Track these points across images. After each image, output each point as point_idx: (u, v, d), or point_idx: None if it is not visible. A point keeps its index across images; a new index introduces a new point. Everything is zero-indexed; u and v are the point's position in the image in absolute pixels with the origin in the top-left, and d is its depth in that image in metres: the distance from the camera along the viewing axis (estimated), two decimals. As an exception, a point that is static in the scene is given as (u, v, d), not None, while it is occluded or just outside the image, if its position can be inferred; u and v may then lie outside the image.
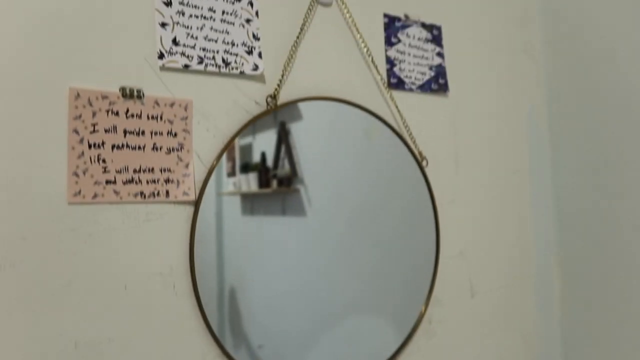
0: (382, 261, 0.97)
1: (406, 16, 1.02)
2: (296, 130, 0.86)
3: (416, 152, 0.99)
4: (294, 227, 0.88)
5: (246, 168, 0.81)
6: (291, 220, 0.88)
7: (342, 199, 0.93)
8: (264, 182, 0.84)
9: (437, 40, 1.06)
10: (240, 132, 0.80)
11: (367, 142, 0.97)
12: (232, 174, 0.79)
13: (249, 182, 0.82)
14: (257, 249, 0.84)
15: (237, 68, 0.80)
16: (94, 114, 0.68)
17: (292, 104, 0.85)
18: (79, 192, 0.67)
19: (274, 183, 0.85)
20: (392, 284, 0.98)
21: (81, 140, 0.67)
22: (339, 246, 0.93)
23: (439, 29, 1.07)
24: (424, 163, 1.00)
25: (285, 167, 0.86)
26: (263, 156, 0.84)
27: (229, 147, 0.78)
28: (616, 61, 1.11)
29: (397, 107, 0.98)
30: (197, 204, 0.75)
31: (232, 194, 0.80)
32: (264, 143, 0.83)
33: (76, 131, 0.67)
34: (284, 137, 0.85)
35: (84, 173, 0.67)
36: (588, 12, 1.18)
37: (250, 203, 0.83)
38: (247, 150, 0.82)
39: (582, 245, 1.19)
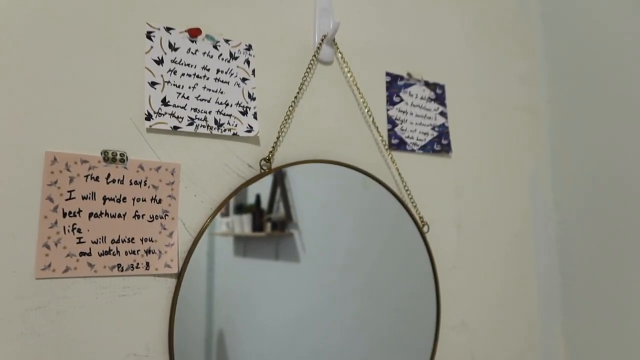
0: (376, 319, 0.92)
1: (409, 74, 0.99)
2: (292, 173, 0.81)
3: (417, 218, 0.94)
4: (287, 272, 0.84)
5: (240, 209, 0.77)
6: (284, 266, 0.84)
7: (337, 247, 0.90)
8: (257, 225, 0.80)
9: (440, 99, 1.03)
10: (230, 198, 0.74)
11: (364, 193, 0.92)
12: (225, 214, 0.75)
13: (243, 224, 0.78)
14: (248, 293, 0.79)
15: (230, 130, 0.75)
16: (71, 180, 0.63)
17: (288, 166, 0.80)
18: (49, 265, 0.61)
19: (268, 226, 0.81)
20: (387, 344, 0.92)
21: (55, 209, 0.62)
22: (332, 296, 0.88)
23: (442, 87, 1.04)
24: (425, 229, 0.94)
25: (280, 211, 0.82)
26: (258, 198, 0.80)
27: (217, 213, 0.73)
28: (621, 119, 1.08)
29: (397, 169, 0.93)
30: (179, 276, 0.69)
31: (224, 234, 0.75)
32: (259, 185, 0.78)
33: (50, 199, 0.62)
34: (279, 180, 0.80)
35: (56, 244, 0.62)
36: (591, 70, 1.16)
37: (243, 245, 0.79)
38: (242, 191, 0.77)
39: (589, 312, 1.13)
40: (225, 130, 0.75)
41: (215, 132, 0.74)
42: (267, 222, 0.81)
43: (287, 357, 0.82)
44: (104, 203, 0.65)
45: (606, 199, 1.11)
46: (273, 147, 0.79)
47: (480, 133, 1.11)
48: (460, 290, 1.01)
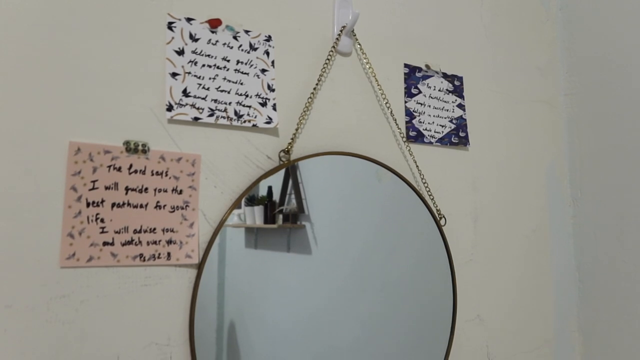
0: (391, 312, 0.92)
1: (427, 66, 0.98)
2: (305, 166, 0.81)
3: (434, 210, 0.93)
4: (299, 264, 0.84)
5: (252, 201, 0.77)
6: (296, 258, 0.83)
7: (351, 240, 0.89)
8: (269, 217, 0.80)
9: (458, 91, 1.02)
10: (250, 189, 0.75)
11: (380, 185, 0.91)
12: (237, 206, 0.74)
13: (254, 216, 0.78)
14: (259, 285, 0.79)
15: (249, 121, 0.75)
16: (94, 170, 0.63)
17: (307, 158, 0.80)
18: (73, 254, 0.62)
19: (280, 218, 0.81)
20: (402, 338, 0.92)
21: (79, 198, 0.62)
22: (346, 289, 0.88)
23: (460, 79, 1.03)
24: (442, 222, 0.94)
25: (291, 203, 0.82)
26: (270, 190, 0.79)
27: (237, 204, 0.73)
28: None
29: (415, 162, 0.93)
30: (200, 267, 0.70)
31: (236, 226, 0.75)
32: (272, 177, 0.78)
33: (74, 188, 0.62)
34: (291, 172, 0.80)
35: (80, 234, 0.62)
36: (612, 62, 1.14)
37: (255, 236, 0.79)
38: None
39: (605, 308, 1.12)
40: (245, 121, 0.75)
41: (235, 123, 0.74)
42: (278, 214, 0.81)
43: (299, 349, 0.82)
44: (126, 193, 0.65)
45: (625, 194, 1.10)
46: (292, 138, 0.79)
47: (498, 126, 1.10)
48: (476, 284, 1.01)
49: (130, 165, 0.66)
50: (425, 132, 0.96)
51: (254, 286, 0.78)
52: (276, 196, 0.80)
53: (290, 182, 0.81)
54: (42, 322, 0.60)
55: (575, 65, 1.22)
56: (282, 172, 0.79)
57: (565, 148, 1.22)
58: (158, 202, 0.68)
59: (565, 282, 1.17)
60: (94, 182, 0.63)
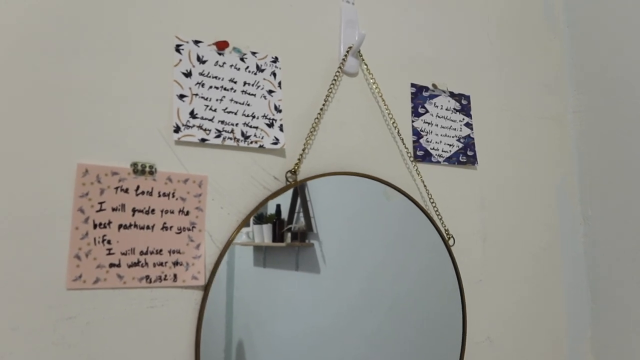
0: (399, 333, 0.91)
1: (434, 85, 0.98)
2: (313, 185, 0.81)
3: (442, 230, 0.92)
4: (307, 283, 0.83)
5: (260, 219, 0.77)
6: (304, 276, 0.83)
7: (359, 259, 0.88)
8: (278, 235, 0.79)
9: (465, 110, 1.02)
10: (257, 210, 0.75)
11: (388, 205, 0.91)
12: (246, 224, 0.74)
13: (263, 234, 0.78)
14: (268, 303, 0.78)
15: (256, 142, 0.75)
16: (101, 192, 0.64)
17: (313, 179, 0.80)
18: (80, 276, 0.62)
19: (288, 236, 0.81)
20: (408, 358, 0.91)
21: (86, 220, 0.63)
22: (354, 309, 0.87)
23: (467, 98, 1.03)
24: (450, 241, 0.93)
25: (300, 221, 0.81)
26: (278, 208, 0.79)
27: (243, 225, 0.73)
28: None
29: (423, 181, 0.92)
30: (206, 288, 0.69)
31: (245, 244, 0.75)
32: (279, 197, 0.78)
33: (81, 210, 0.62)
34: (300, 191, 0.80)
35: (87, 255, 0.62)
36: (620, 78, 1.13)
37: (263, 255, 0.78)
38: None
39: (618, 330, 1.10)
40: (251, 142, 0.75)
41: (242, 144, 0.74)
42: (287, 232, 0.81)
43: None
44: (133, 215, 0.66)
45: (636, 212, 1.08)
46: (299, 159, 0.79)
47: (506, 144, 1.09)
48: (486, 305, 0.99)
49: (138, 187, 0.66)
50: (432, 152, 0.95)
51: (263, 304, 0.78)
52: (285, 214, 0.81)
53: (299, 200, 0.81)
54: (48, 344, 0.60)
55: (583, 82, 1.21)
56: (289, 192, 0.79)
57: (574, 165, 1.21)
58: (165, 223, 0.68)
59: (577, 303, 1.15)
60: (101, 203, 0.64)
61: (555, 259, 1.13)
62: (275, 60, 0.80)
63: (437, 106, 0.98)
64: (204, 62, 0.73)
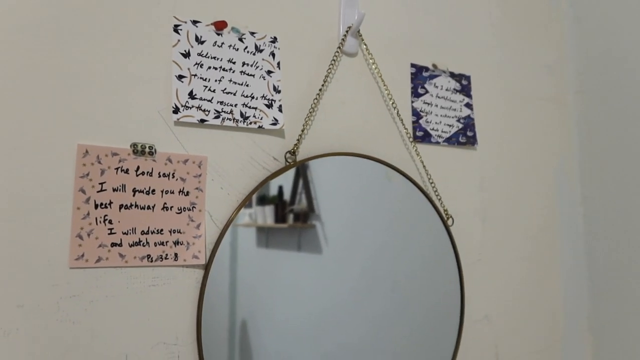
0: (400, 312, 0.92)
1: (434, 66, 0.98)
2: (315, 165, 0.82)
3: (441, 211, 0.93)
4: (309, 264, 0.84)
5: (263, 200, 0.78)
6: (306, 257, 0.84)
7: (360, 240, 0.89)
8: (280, 216, 0.80)
9: (465, 90, 1.02)
10: (256, 190, 0.75)
11: (388, 185, 0.91)
12: (248, 205, 0.75)
13: (265, 215, 0.79)
14: (270, 283, 0.80)
15: (255, 122, 0.76)
16: (102, 172, 0.64)
17: (312, 159, 0.81)
18: (82, 255, 0.63)
19: (290, 217, 0.82)
20: (410, 338, 0.92)
21: (87, 200, 0.63)
22: (356, 289, 0.88)
23: (468, 78, 1.02)
24: (449, 222, 0.94)
25: (302, 202, 0.82)
26: (280, 190, 0.80)
27: (243, 206, 0.74)
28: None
29: (422, 162, 0.92)
30: (207, 267, 0.70)
31: (247, 225, 0.76)
32: (282, 177, 0.79)
33: (82, 190, 0.63)
34: (302, 172, 0.81)
35: (89, 235, 0.63)
36: (622, 59, 1.12)
37: (266, 236, 0.79)
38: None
39: (616, 308, 1.11)
40: (250, 123, 0.75)
41: (241, 125, 0.74)
42: (289, 213, 0.81)
43: (310, 348, 0.82)
44: (133, 195, 0.66)
45: (635, 193, 1.08)
46: (298, 139, 0.79)
47: (506, 125, 1.09)
48: (484, 284, 1.00)
49: (138, 167, 0.67)
50: (432, 132, 0.95)
51: (265, 285, 0.79)
52: (287, 196, 0.81)
53: (301, 181, 0.82)
54: (53, 321, 0.61)
55: (585, 63, 1.21)
56: (289, 173, 0.79)
57: (575, 146, 1.21)
58: (165, 203, 0.69)
59: (575, 282, 1.16)
60: (101, 184, 0.64)
61: (554, 239, 1.14)
62: (274, 40, 0.80)
63: (437, 86, 0.97)
64: (202, 42, 0.73)
